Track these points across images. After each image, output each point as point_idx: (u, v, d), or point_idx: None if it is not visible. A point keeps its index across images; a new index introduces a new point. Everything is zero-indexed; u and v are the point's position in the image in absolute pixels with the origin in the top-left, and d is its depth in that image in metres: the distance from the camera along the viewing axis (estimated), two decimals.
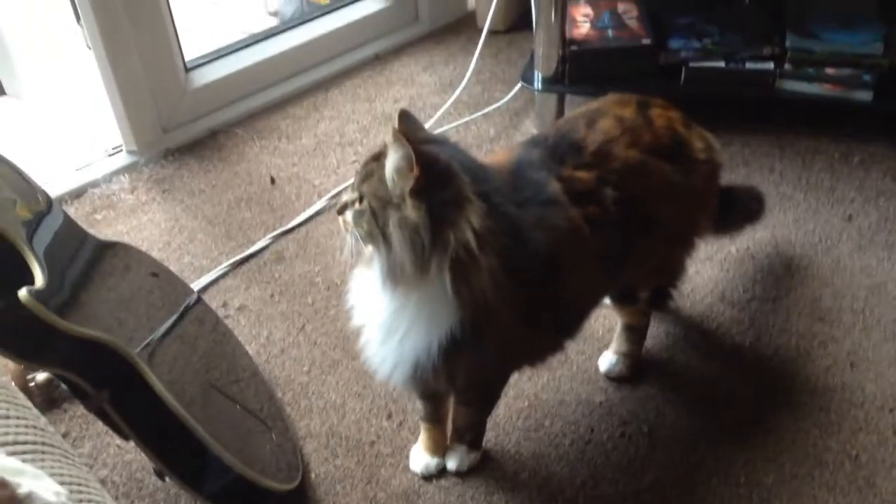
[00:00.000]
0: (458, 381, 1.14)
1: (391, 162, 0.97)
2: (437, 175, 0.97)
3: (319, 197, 1.85)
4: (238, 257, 1.71)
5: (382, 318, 1.08)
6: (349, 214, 1.05)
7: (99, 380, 1.04)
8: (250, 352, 1.49)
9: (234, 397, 1.25)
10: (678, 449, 1.32)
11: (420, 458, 1.30)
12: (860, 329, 1.48)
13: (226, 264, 1.70)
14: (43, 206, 1.18)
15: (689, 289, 1.57)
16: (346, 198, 1.07)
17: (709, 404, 1.39)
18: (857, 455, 1.28)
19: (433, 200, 0.96)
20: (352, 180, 1.08)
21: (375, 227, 1.00)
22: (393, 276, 1.01)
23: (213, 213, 1.83)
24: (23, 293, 0.95)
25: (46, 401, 1.39)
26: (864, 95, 1.83)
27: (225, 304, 1.61)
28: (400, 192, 0.97)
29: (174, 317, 1.25)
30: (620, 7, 2.02)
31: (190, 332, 1.31)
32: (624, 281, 1.29)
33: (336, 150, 1.99)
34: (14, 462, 0.63)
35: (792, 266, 1.62)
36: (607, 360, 1.43)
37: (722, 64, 1.89)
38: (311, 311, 1.60)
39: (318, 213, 1.82)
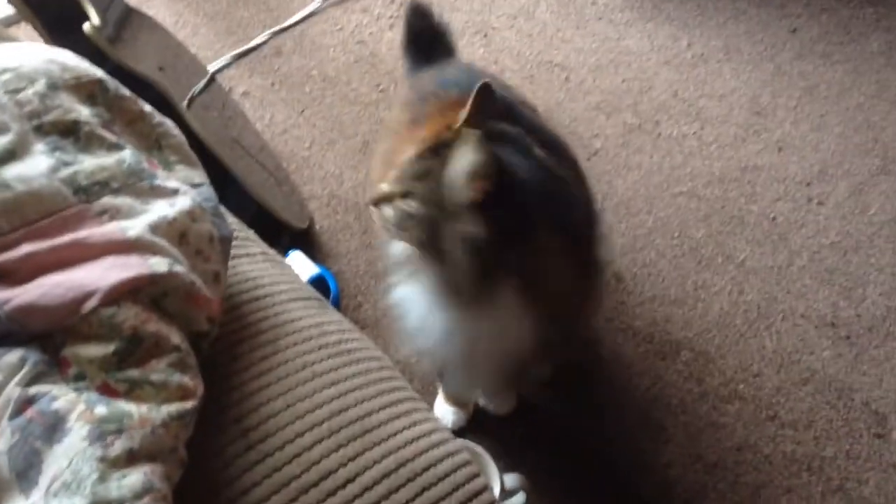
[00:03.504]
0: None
1: (460, 165, 0.79)
2: (509, 192, 0.80)
3: None
4: (239, 50, 1.87)
5: (457, 345, 0.93)
6: (389, 211, 0.86)
7: None
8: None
9: (252, 153, 1.45)
10: None
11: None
12: (790, 122, 1.70)
13: (228, 56, 1.85)
14: None
15: (647, 87, 1.77)
16: (385, 188, 0.86)
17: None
18: (774, 217, 1.54)
19: (501, 220, 0.80)
20: (395, 170, 0.87)
21: (426, 238, 0.83)
22: (450, 295, 0.87)
23: (214, 10, 1.97)
24: (87, 27, 1.12)
25: None
26: None
27: (230, 90, 1.78)
28: (461, 201, 0.80)
29: (203, 81, 1.42)
30: None
31: (208, 103, 1.49)
32: None
33: None
34: None
35: (738, 69, 1.82)
36: None
37: None
38: (309, 99, 1.78)
39: (313, 14, 1.96)
